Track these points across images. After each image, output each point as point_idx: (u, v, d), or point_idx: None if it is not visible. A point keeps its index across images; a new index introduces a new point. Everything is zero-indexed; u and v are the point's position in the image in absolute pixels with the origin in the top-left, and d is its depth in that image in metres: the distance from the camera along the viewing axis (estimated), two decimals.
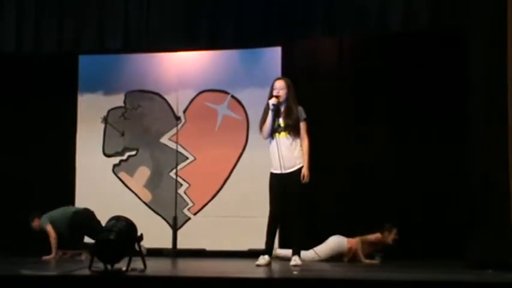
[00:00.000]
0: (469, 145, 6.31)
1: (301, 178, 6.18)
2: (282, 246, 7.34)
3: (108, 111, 8.98)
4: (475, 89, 6.24)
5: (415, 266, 6.44)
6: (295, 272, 5.63)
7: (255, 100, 7.43)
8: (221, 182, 8.63)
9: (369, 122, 8.25)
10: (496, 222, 5.90)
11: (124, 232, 5.21)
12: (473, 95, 6.28)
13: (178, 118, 8.68)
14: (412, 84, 8.09)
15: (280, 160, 6.20)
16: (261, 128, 6.36)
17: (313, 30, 7.07)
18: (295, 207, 6.21)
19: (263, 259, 6.21)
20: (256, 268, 6.01)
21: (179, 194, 8.60)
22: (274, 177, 6.28)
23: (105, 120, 8.95)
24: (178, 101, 8.80)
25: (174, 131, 8.68)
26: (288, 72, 8.21)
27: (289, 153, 6.24)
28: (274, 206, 6.25)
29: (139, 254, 5.45)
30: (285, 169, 6.21)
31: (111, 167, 8.92)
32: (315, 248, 7.42)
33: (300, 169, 6.23)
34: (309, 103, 7.83)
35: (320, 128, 8.02)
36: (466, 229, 6.39)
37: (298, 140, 6.28)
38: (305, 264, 6.26)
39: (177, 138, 8.61)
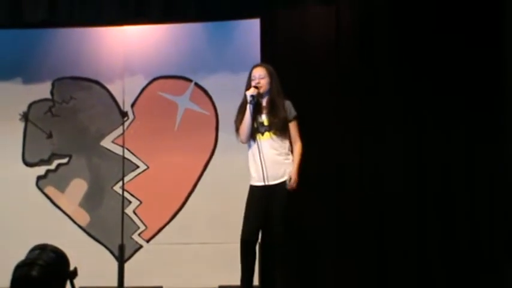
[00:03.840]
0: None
1: (288, 181, 5.79)
2: (263, 283, 6.90)
3: (30, 105, 8.01)
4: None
5: None
6: None
7: (226, 89, 7.02)
8: (182, 198, 7.80)
9: (377, 112, 7.38)
10: None
11: (51, 266, 4.24)
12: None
13: (124, 114, 7.86)
14: (431, 61, 7.28)
15: (263, 169, 5.76)
16: (237, 128, 5.95)
17: None
18: (279, 230, 5.76)
19: None
20: None
21: (127, 214, 7.78)
22: (255, 190, 5.82)
23: (26, 117, 8.04)
24: (124, 91, 7.95)
25: (119, 131, 7.88)
26: (270, 52, 7.39)
27: (275, 160, 5.82)
28: (249, 228, 5.80)
29: None
30: (268, 180, 5.75)
31: (34, 179, 7.94)
32: None
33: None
34: (297, 96, 7.26)
35: (315, 121, 7.44)
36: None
37: (286, 143, 5.86)
38: None
39: (123, 140, 7.87)
